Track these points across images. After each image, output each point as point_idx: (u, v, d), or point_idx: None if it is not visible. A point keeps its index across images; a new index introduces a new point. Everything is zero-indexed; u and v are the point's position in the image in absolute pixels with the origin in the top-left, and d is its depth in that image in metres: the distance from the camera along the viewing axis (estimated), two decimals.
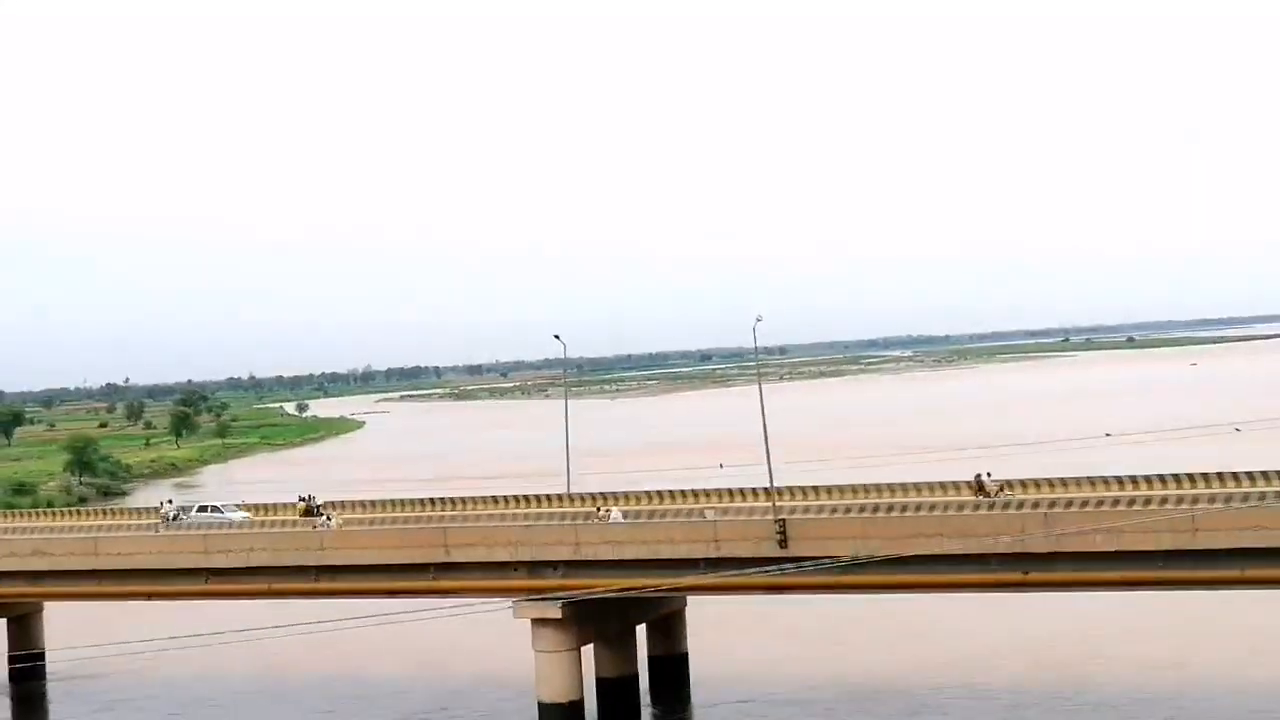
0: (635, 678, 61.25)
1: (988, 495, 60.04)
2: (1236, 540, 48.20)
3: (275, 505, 73.84)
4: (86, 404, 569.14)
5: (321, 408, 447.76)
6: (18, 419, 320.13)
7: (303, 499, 72.15)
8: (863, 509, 58.99)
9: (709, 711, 60.49)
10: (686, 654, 64.18)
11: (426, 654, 69.39)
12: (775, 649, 68.25)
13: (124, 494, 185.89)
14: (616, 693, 60.09)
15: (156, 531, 67.71)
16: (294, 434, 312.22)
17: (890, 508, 58.54)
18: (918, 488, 63.69)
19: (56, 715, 68.57)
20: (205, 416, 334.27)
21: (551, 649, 56.56)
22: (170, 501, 74.94)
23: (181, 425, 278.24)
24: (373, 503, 73.46)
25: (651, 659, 63.47)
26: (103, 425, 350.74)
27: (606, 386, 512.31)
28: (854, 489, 64.38)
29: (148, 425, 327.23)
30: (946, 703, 58.65)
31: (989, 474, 62.27)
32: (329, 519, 67.10)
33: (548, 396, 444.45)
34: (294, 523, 68.48)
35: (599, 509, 64.05)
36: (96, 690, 69.91)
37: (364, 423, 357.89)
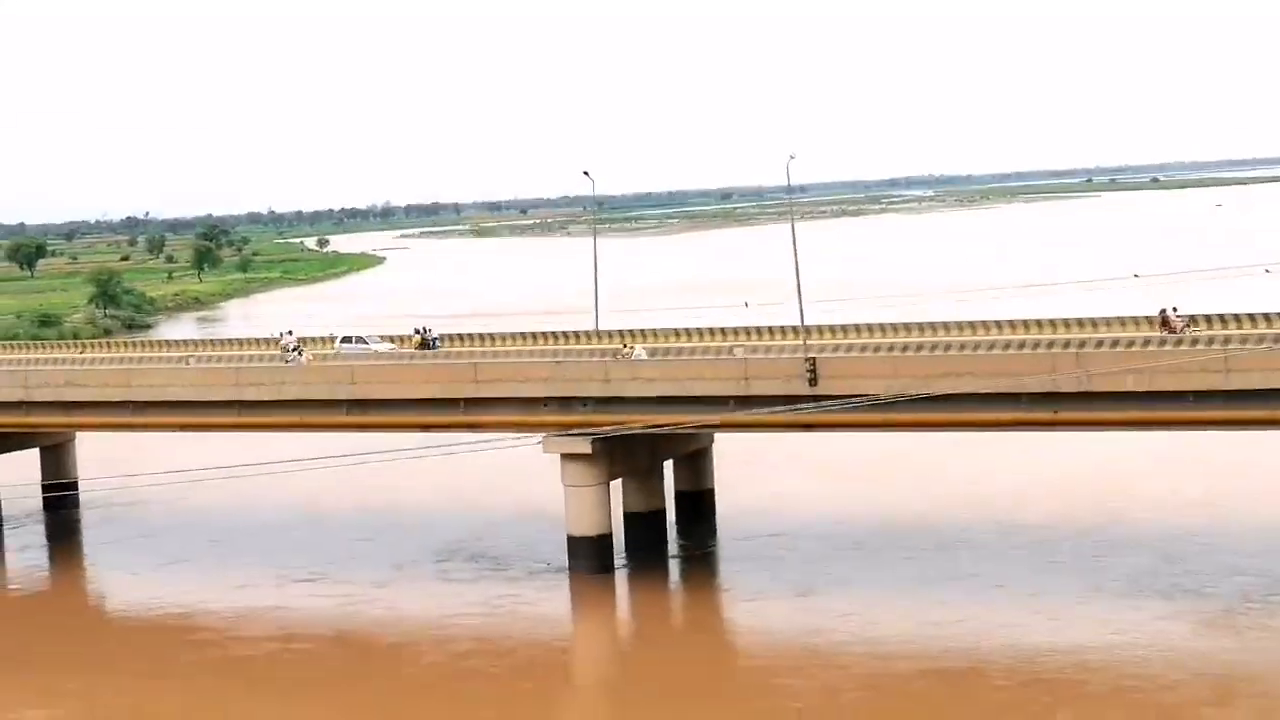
0: (662, 512, 61.91)
1: (1173, 331, 56.84)
2: (1268, 381, 48.00)
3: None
4: (107, 237, 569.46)
5: (342, 243, 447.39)
6: (40, 251, 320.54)
7: (418, 331, 71.93)
8: (892, 348, 58.93)
9: (736, 545, 61.23)
10: (713, 490, 64.73)
11: (458, 488, 70.13)
12: (802, 486, 68.77)
13: (148, 327, 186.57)
14: (644, 527, 60.77)
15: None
16: (315, 269, 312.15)
17: (920, 346, 58.47)
18: (946, 327, 63.56)
19: (93, 541, 69.74)
20: (227, 251, 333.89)
21: (581, 483, 56.98)
22: (290, 333, 73.28)
23: (204, 259, 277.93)
24: (402, 337, 73.59)
25: (678, 494, 64.06)
26: (124, 258, 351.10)
27: (627, 224, 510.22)
28: (883, 328, 64.23)
29: (169, 259, 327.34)
30: (975, 538, 59.20)
31: (1175, 309, 59.06)
32: (300, 353, 67.07)
33: (568, 234, 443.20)
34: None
35: (625, 345, 63.99)
36: (131, 518, 71.07)
37: (384, 258, 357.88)
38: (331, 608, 55.75)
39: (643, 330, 68.97)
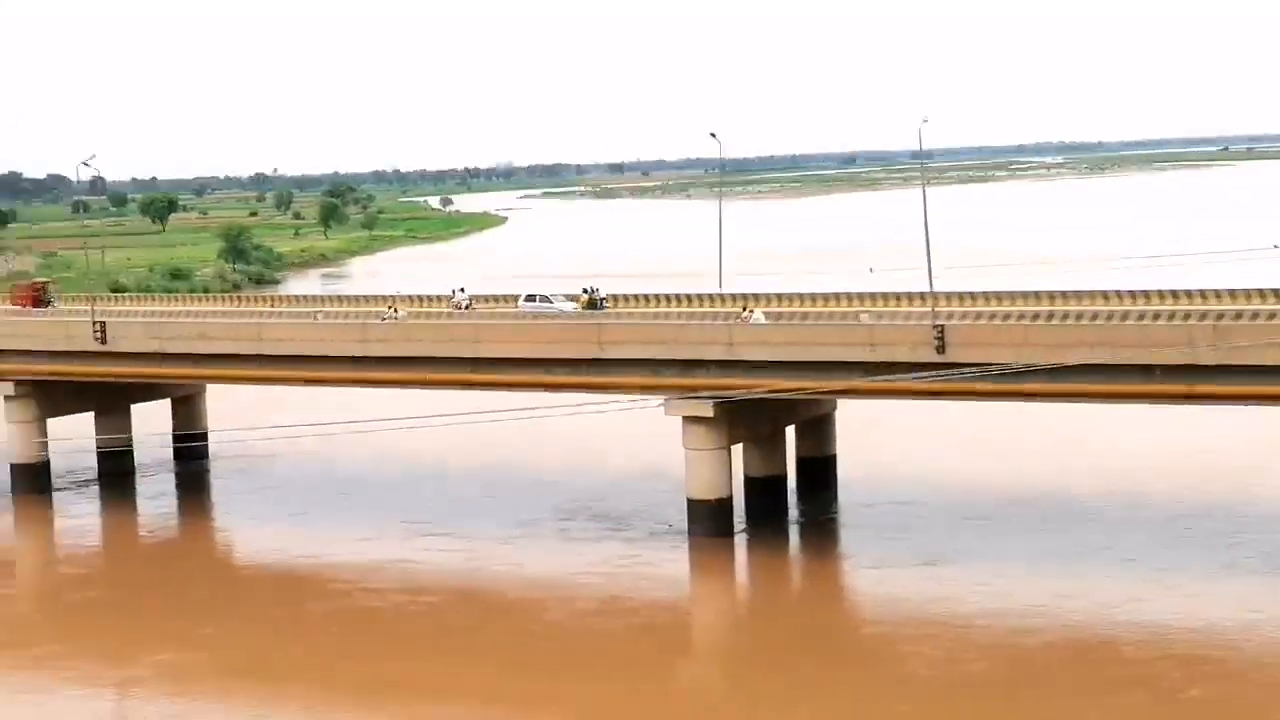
0: (783, 478, 61.55)
1: None
2: None
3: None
4: (236, 193, 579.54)
5: (464, 202, 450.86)
6: (172, 206, 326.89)
7: (585, 290, 72.29)
8: (1022, 316, 57.81)
9: (857, 512, 60.71)
10: (835, 456, 64.22)
11: (580, 448, 70.31)
12: (926, 455, 67.91)
13: (276, 282, 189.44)
14: (765, 492, 60.51)
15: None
16: (438, 228, 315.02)
17: (1051, 315, 57.33)
18: (1078, 296, 62.28)
19: (222, 491, 71.11)
20: (352, 208, 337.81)
21: (702, 447, 56.79)
22: (462, 290, 73.76)
23: (330, 216, 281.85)
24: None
25: (800, 460, 63.63)
26: (253, 214, 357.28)
27: (750, 187, 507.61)
28: (1014, 296, 63.06)
29: (296, 215, 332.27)
30: (1107, 511, 58.09)
31: None
32: (396, 312, 67.57)
33: (689, 197, 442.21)
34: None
35: (744, 309, 63.58)
36: (259, 470, 72.33)
37: (506, 219, 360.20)
38: (457, 562, 56.34)
39: (764, 294, 68.41)
